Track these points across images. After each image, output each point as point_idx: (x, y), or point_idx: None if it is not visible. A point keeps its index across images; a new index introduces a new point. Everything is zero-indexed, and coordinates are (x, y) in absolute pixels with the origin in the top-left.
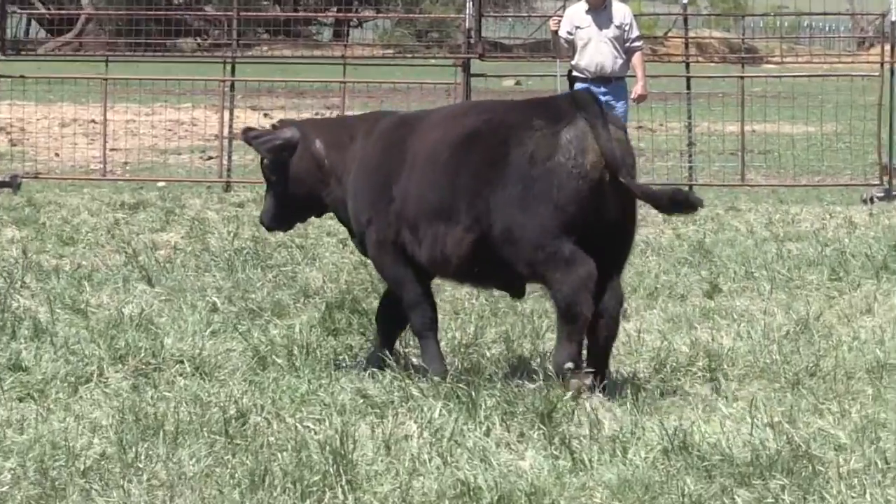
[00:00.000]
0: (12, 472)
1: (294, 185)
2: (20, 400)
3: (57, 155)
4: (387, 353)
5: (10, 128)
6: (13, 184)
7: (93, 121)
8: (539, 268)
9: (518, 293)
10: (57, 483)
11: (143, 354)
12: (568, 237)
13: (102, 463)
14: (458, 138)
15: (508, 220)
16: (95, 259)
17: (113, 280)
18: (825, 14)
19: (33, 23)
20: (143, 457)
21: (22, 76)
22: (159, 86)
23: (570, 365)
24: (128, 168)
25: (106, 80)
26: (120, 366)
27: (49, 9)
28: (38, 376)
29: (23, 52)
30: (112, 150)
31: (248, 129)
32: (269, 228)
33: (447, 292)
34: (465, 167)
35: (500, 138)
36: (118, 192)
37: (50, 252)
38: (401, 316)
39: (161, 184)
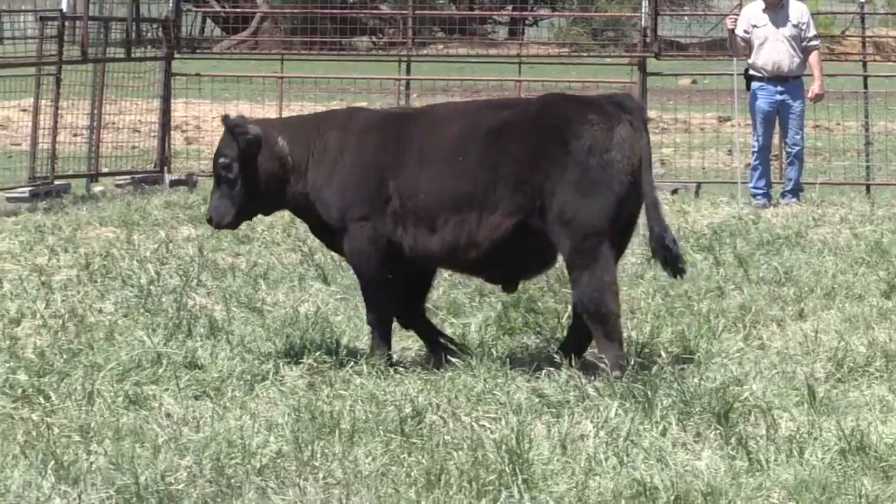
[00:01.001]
0: (188, 469)
1: (253, 182)
2: (196, 398)
3: None
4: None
5: (185, 126)
6: (189, 182)
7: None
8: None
9: (513, 288)
10: (233, 481)
11: (318, 353)
12: (611, 234)
13: (278, 461)
14: (494, 130)
15: (565, 205)
16: (271, 257)
17: (289, 278)
18: None
19: (208, 21)
20: (318, 455)
21: (197, 74)
22: (334, 84)
23: (616, 372)
24: None
25: (281, 78)
26: (296, 364)
27: (224, 7)
28: (215, 374)
29: (198, 51)
30: None
31: (228, 117)
32: (218, 226)
33: (622, 291)
34: (509, 157)
35: (555, 130)
36: None
37: (226, 250)
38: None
39: None
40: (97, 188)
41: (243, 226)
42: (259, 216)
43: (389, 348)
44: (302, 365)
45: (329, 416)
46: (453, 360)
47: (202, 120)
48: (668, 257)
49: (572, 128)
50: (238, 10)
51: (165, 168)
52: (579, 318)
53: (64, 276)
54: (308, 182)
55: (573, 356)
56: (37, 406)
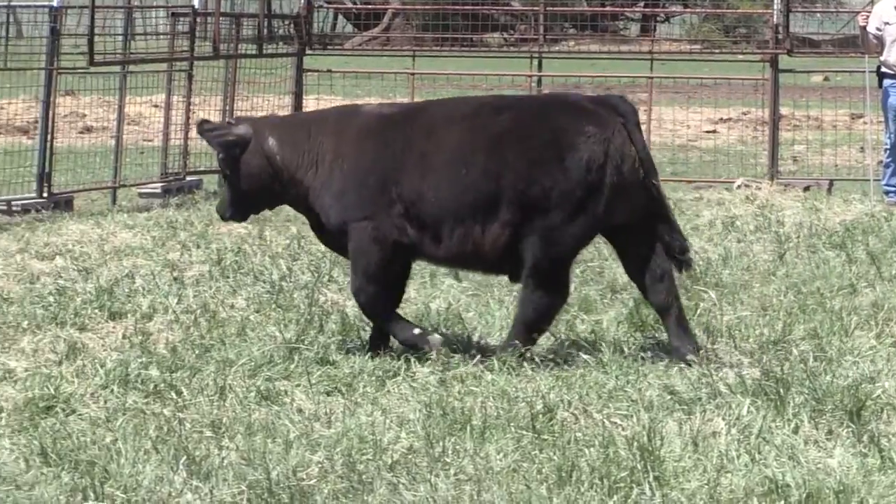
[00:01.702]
0: (320, 465)
1: (246, 179)
2: (328, 394)
3: None
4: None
5: None
6: None
7: None
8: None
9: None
10: (364, 477)
11: (449, 349)
12: (575, 254)
13: (409, 457)
14: (493, 138)
15: (547, 218)
16: None
17: (420, 275)
18: None
19: (340, 17)
20: (450, 451)
21: (329, 70)
22: (466, 81)
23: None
24: None
25: (413, 74)
26: (427, 360)
27: (356, 3)
28: (346, 370)
29: (329, 47)
30: None
31: (203, 122)
32: (224, 219)
33: (755, 288)
34: (508, 167)
35: (551, 141)
36: None
37: None
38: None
39: None
40: None
41: None
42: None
43: (407, 321)
44: (433, 361)
45: (460, 412)
46: (585, 356)
47: None
48: (681, 252)
49: (569, 140)
50: (370, 6)
51: None
52: (666, 318)
53: (196, 272)
54: (304, 184)
55: (687, 351)
56: (169, 401)
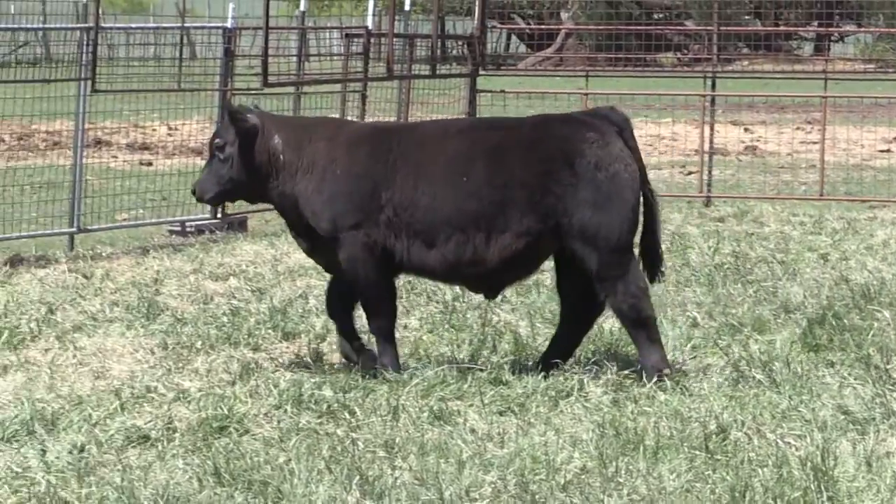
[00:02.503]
0: (493, 485)
1: (242, 168)
2: (501, 414)
3: None
4: None
5: None
6: None
7: None
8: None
9: (494, 296)
10: (537, 497)
11: (623, 368)
12: (632, 242)
13: (582, 477)
14: (496, 150)
15: (584, 223)
16: None
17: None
18: None
19: (513, 37)
20: (623, 471)
21: (502, 91)
22: (639, 100)
23: (665, 369)
24: None
25: (586, 94)
26: (600, 380)
27: (529, 24)
28: (519, 390)
29: (503, 67)
30: None
31: (231, 103)
32: (200, 200)
33: None
34: (515, 180)
35: (558, 151)
36: None
37: None
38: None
39: None
40: None
41: None
42: None
43: (396, 350)
44: (606, 381)
45: (633, 432)
46: (758, 376)
47: None
48: (655, 263)
49: (574, 147)
50: (543, 26)
51: None
52: (567, 326)
53: None
54: (297, 187)
55: (559, 360)
56: (342, 421)
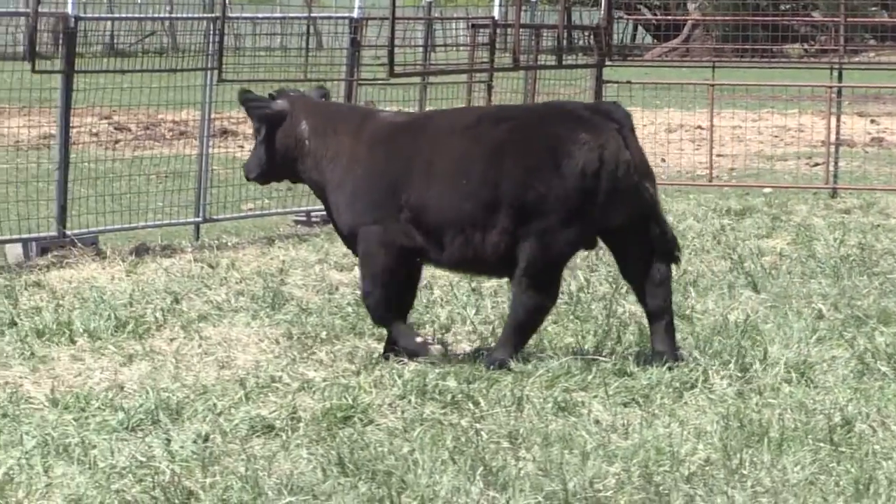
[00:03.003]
0: (617, 476)
1: (272, 150)
2: (625, 405)
3: (663, 160)
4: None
5: None
6: None
7: (699, 126)
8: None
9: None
10: (661, 488)
11: (747, 360)
12: (568, 258)
13: (706, 469)
14: (496, 147)
15: (543, 223)
16: (701, 265)
17: (718, 286)
18: None
19: (640, 28)
20: (747, 463)
21: (628, 82)
22: (766, 91)
23: (510, 363)
24: (734, 174)
25: (712, 85)
26: (724, 372)
27: (656, 14)
28: (643, 381)
29: (629, 58)
30: (718, 155)
31: (244, 91)
32: (247, 178)
33: None
34: (508, 176)
35: (548, 150)
36: (724, 198)
37: None
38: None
39: (767, 190)
40: None
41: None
42: None
43: (411, 329)
44: (730, 373)
45: (758, 424)
46: (883, 368)
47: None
48: (668, 249)
49: (564, 148)
50: (669, 17)
51: None
52: (657, 322)
53: (494, 283)
54: (325, 176)
55: (670, 358)
56: (466, 412)
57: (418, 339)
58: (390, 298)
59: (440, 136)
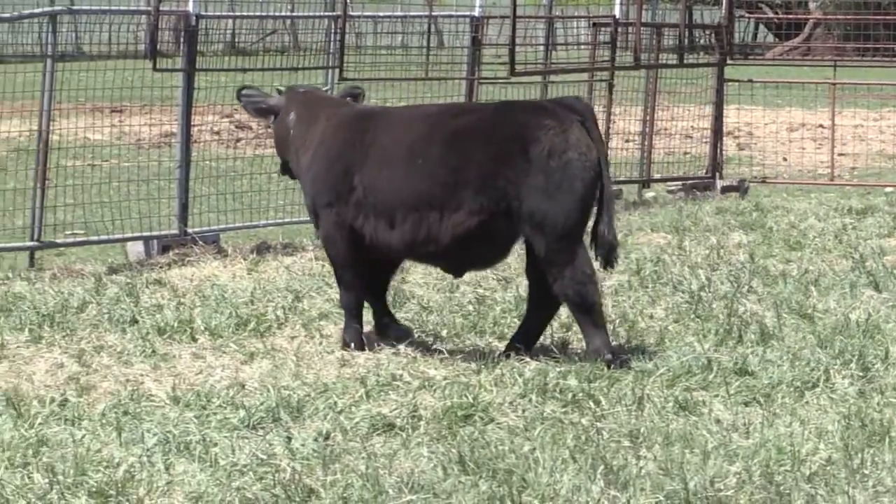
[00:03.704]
0: (737, 476)
1: (276, 145)
2: (746, 404)
3: (784, 159)
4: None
5: (737, 132)
6: (741, 188)
7: (820, 125)
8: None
9: (460, 274)
10: (781, 488)
11: (869, 360)
12: (582, 230)
13: (828, 468)
14: (457, 135)
15: (533, 209)
16: (822, 264)
17: (840, 285)
18: None
19: (761, 27)
20: (868, 463)
21: (750, 80)
22: (888, 91)
23: (608, 355)
24: (855, 173)
25: (834, 84)
26: (846, 371)
27: (777, 13)
28: (765, 381)
29: (750, 57)
30: (840, 154)
31: (243, 88)
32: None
33: None
34: (472, 163)
35: (514, 137)
36: (845, 197)
37: (777, 256)
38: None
39: (889, 189)
40: (649, 194)
41: (793, 232)
42: None
43: (361, 327)
44: (852, 372)
45: (879, 423)
46: None
47: (754, 126)
48: (607, 250)
49: (530, 134)
50: (791, 16)
51: (717, 174)
52: (533, 313)
53: (615, 282)
54: (300, 162)
55: (521, 346)
56: (587, 411)
57: (358, 333)
58: (354, 277)
59: (401, 122)
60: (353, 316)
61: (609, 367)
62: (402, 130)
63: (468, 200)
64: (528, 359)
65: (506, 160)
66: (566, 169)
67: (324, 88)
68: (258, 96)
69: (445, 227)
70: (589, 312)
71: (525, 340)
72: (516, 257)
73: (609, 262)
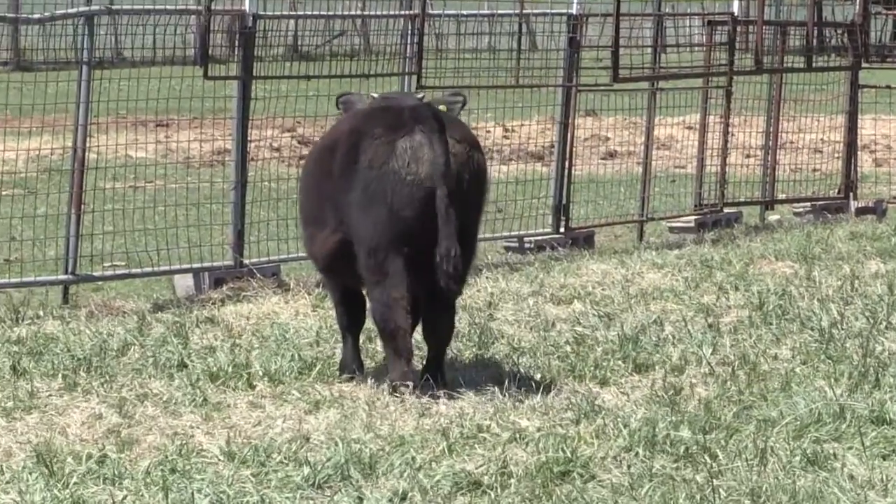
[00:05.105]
0: None
1: None
2: (884, 458)
3: None
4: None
5: (873, 145)
6: (878, 210)
7: None
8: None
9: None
10: None
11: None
12: (398, 249)
13: None
14: (326, 146)
15: (353, 224)
16: None
17: None
18: None
19: None
20: None
21: (888, 86)
22: None
23: (402, 383)
24: None
25: None
26: None
27: None
28: None
29: (888, 59)
30: None
31: (342, 94)
32: None
33: None
34: (327, 173)
35: (351, 146)
36: None
37: None
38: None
39: None
40: (772, 217)
41: None
42: None
43: (352, 350)
44: None
45: None
46: None
47: (893, 139)
48: (444, 278)
49: (363, 142)
50: None
51: (851, 194)
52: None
53: (734, 317)
54: None
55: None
56: (701, 466)
57: (351, 361)
58: (338, 297)
59: (331, 132)
60: (344, 337)
61: (395, 393)
62: (327, 137)
63: (330, 217)
64: (634, 407)
65: (342, 170)
66: (381, 180)
67: (418, 96)
68: (362, 104)
69: (320, 245)
70: (391, 338)
71: (427, 369)
72: (620, 290)
73: (443, 281)
